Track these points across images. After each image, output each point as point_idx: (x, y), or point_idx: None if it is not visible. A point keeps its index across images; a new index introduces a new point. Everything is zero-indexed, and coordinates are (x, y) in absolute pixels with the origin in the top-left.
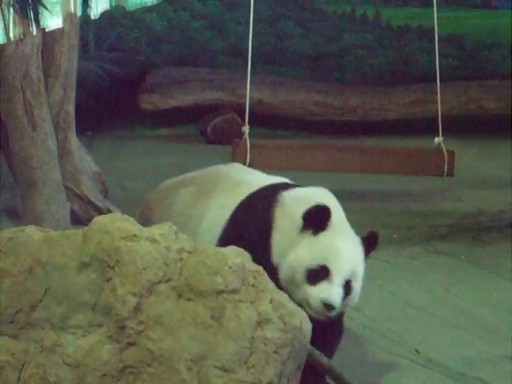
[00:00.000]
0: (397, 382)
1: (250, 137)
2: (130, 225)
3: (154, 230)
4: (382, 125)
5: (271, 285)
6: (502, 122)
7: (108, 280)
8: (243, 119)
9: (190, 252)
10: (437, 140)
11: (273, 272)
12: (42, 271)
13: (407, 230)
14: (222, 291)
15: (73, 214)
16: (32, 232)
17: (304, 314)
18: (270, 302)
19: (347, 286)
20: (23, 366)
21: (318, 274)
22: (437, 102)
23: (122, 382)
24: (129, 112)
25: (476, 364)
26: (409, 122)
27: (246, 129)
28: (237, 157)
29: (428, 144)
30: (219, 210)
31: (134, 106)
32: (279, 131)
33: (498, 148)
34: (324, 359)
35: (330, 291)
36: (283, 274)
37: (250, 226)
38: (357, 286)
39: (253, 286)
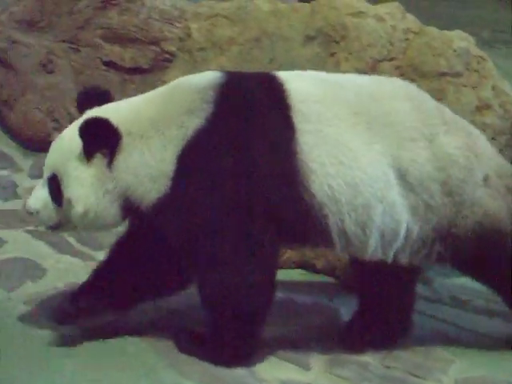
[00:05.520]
0: None
1: None
2: (356, 2)
3: (381, 9)
4: None
5: (494, 71)
6: None
7: (332, 55)
8: None
9: (415, 33)
10: None
11: None
12: (268, 41)
13: None
14: (444, 74)
15: None
16: (260, 3)
17: None
18: (492, 89)
19: (55, 187)
20: None
21: None
22: None
23: None
24: None
25: None
26: None
27: None
28: None
29: None
30: None
31: None
32: None
33: None
34: None
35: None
36: None
37: None
38: (70, 188)
39: (476, 71)
